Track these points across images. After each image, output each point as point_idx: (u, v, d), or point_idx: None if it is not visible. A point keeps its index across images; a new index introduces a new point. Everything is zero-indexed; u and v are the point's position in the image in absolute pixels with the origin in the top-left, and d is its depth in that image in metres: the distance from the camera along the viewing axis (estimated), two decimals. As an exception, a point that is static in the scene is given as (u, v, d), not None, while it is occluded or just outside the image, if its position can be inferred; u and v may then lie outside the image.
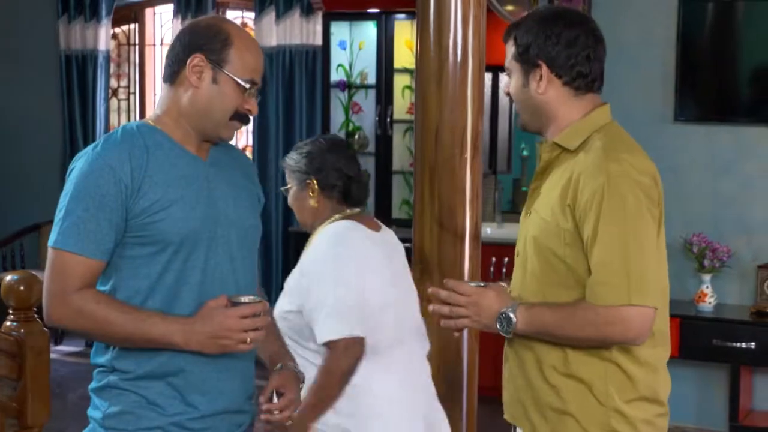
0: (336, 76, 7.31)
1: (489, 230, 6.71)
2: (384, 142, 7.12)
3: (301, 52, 7.45)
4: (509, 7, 5.97)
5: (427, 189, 3.98)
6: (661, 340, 2.60)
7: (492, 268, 6.29)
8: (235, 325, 2.43)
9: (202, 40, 2.52)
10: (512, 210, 7.05)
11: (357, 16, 7.24)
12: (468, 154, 3.95)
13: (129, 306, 2.46)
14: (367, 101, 7.27)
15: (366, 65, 7.19)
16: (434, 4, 3.95)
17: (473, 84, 3.96)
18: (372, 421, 3.13)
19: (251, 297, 2.49)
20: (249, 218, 2.65)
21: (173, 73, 2.55)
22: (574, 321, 2.50)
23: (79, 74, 8.27)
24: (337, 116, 7.37)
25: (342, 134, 7.39)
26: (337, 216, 3.22)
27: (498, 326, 2.58)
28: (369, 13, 7.15)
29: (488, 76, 6.82)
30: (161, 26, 8.53)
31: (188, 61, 2.52)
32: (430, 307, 2.66)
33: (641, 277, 2.45)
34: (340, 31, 7.29)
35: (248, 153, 8.03)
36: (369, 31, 7.19)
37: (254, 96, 2.56)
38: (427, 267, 3.98)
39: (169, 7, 8.11)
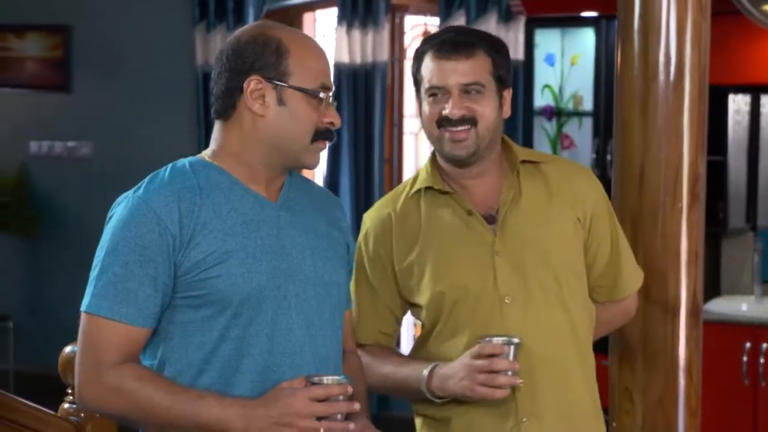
0: (541, 100, 7.21)
1: (744, 306, 6.64)
2: (604, 186, 7.04)
3: (498, 69, 7.44)
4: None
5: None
6: None
7: (745, 357, 6.22)
8: (304, 409, 2.53)
9: (252, 58, 2.71)
10: (777, 279, 6.88)
11: (569, 21, 7.14)
12: (684, 203, 3.95)
13: (177, 385, 2.60)
14: (581, 133, 7.12)
15: (581, 86, 7.10)
16: (639, 4, 3.95)
17: (691, 110, 3.94)
18: None
19: (335, 378, 2.59)
20: (332, 273, 2.79)
21: (228, 107, 2.72)
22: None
23: (219, 96, 8.45)
24: (542, 151, 7.36)
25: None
26: None
27: None
28: (584, 17, 7.09)
29: (745, 99, 6.79)
30: (323, 35, 8.61)
31: (245, 88, 2.69)
32: None
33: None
34: (547, 41, 7.19)
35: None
36: (585, 41, 7.12)
37: (332, 104, 2.74)
38: (628, 349, 3.98)
39: (333, 12, 8.25)
